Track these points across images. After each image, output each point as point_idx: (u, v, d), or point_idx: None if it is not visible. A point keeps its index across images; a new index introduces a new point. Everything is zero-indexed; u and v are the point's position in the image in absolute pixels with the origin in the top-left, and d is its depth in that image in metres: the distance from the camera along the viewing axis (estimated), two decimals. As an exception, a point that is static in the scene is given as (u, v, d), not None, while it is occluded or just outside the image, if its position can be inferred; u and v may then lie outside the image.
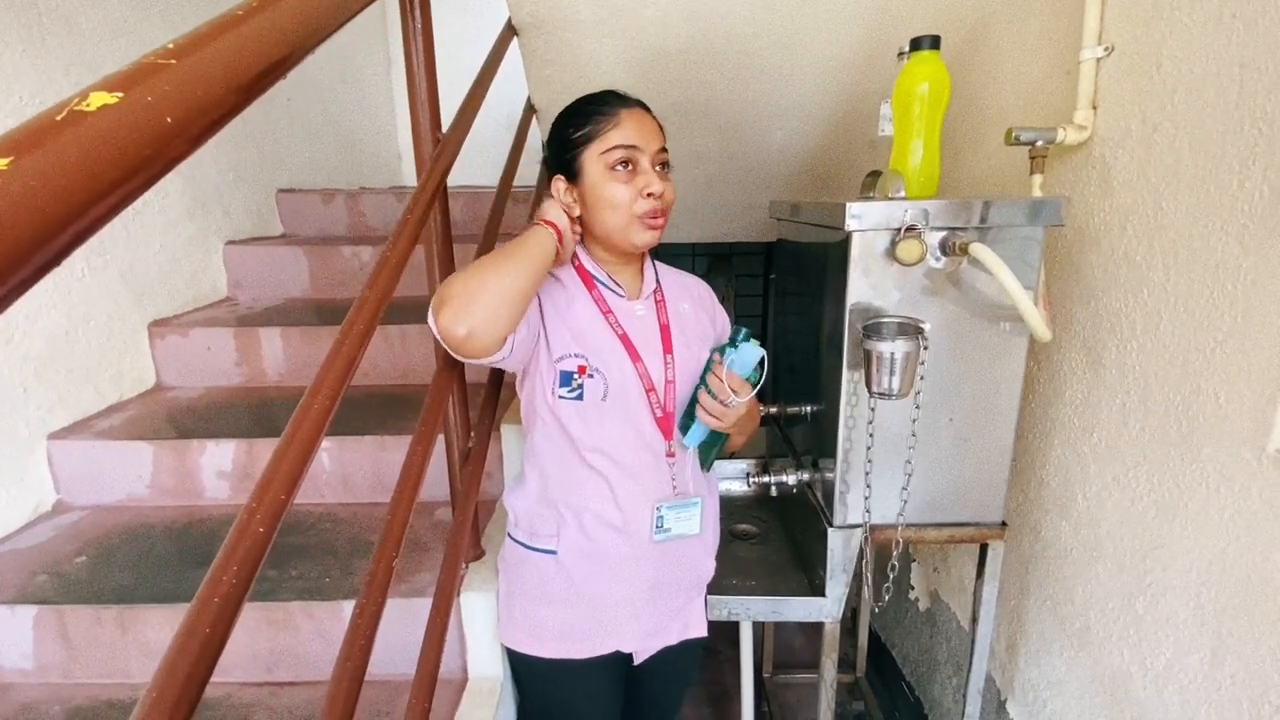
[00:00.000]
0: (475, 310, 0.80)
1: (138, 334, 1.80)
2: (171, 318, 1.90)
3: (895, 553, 1.12)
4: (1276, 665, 0.82)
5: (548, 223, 0.91)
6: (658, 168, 0.94)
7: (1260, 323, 0.83)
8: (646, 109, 0.97)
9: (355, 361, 0.63)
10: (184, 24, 1.85)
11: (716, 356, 0.98)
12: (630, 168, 0.92)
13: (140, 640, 1.19)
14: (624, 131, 0.91)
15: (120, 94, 0.40)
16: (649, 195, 0.92)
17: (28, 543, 1.39)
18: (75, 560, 1.32)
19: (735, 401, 0.94)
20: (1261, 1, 0.82)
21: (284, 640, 1.20)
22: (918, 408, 1.05)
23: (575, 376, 0.94)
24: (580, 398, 0.95)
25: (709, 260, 3.36)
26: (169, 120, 0.43)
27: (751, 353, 0.97)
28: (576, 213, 0.96)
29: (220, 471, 1.52)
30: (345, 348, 0.63)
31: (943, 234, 1.00)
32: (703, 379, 1.00)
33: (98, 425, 1.59)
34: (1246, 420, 0.85)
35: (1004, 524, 1.16)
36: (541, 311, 0.96)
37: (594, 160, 0.92)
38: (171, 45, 0.47)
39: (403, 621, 1.14)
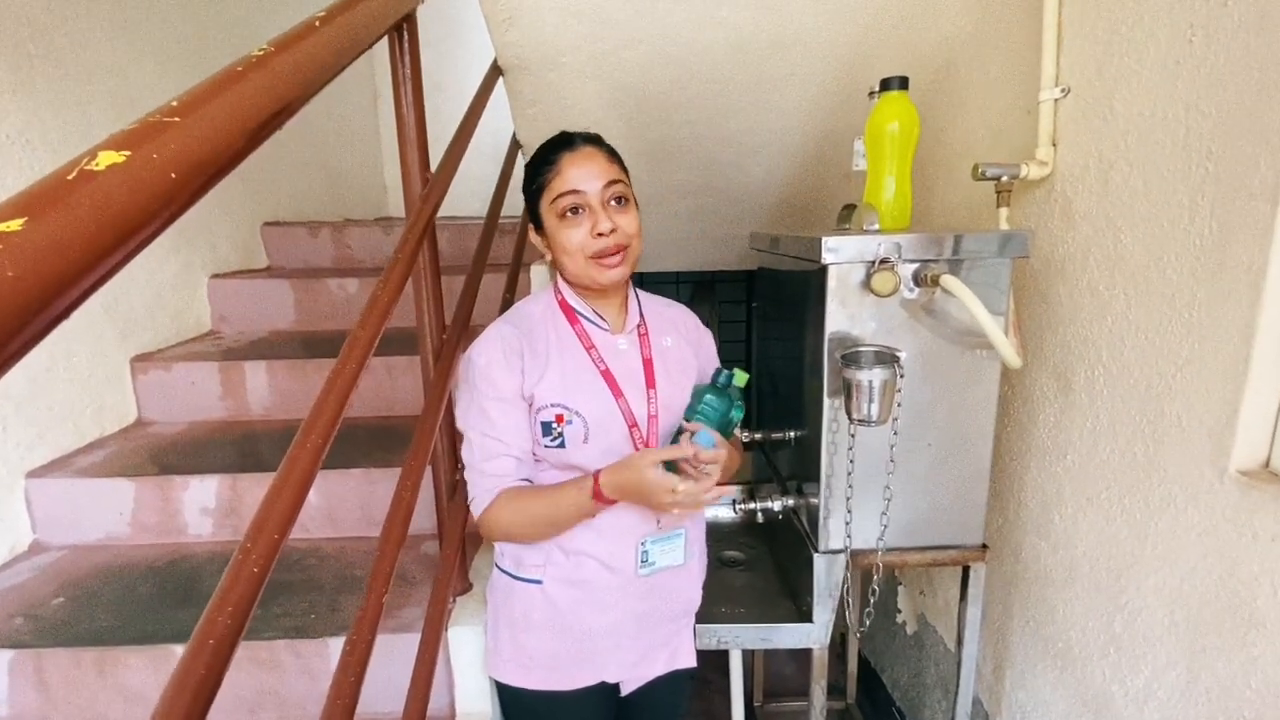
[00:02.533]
0: (513, 542, 1.02)
1: (120, 369, 1.78)
2: (154, 352, 1.88)
3: (876, 577, 1.14)
4: (1248, 680, 0.85)
5: (602, 500, 0.92)
6: (611, 202, 0.94)
7: (1214, 349, 0.87)
8: (596, 143, 0.97)
9: (347, 401, 0.65)
10: (174, 62, 1.87)
11: (685, 432, 0.97)
12: (579, 212, 0.94)
13: (119, 683, 1.17)
14: (565, 178, 0.93)
15: (128, 152, 0.42)
16: (599, 235, 0.93)
17: (3, 584, 1.35)
18: (53, 602, 1.30)
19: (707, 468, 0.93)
20: (1204, 48, 0.88)
21: (268, 680, 1.18)
22: (895, 433, 1.08)
23: (554, 426, 0.96)
24: (563, 445, 0.97)
25: (692, 288, 3.41)
26: (173, 176, 0.45)
27: (718, 404, 0.97)
28: (548, 257, 1.00)
29: (204, 508, 1.50)
30: (338, 387, 0.64)
31: (915, 266, 1.04)
32: (688, 416, 1.02)
33: (77, 463, 1.57)
34: (1207, 442, 0.89)
35: (984, 546, 1.18)
36: (524, 375, 0.97)
37: (548, 210, 0.96)
38: (175, 103, 0.49)
39: (389, 658, 1.13)
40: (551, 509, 0.95)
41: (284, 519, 0.53)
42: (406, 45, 1.01)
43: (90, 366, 1.68)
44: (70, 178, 0.39)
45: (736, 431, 1.04)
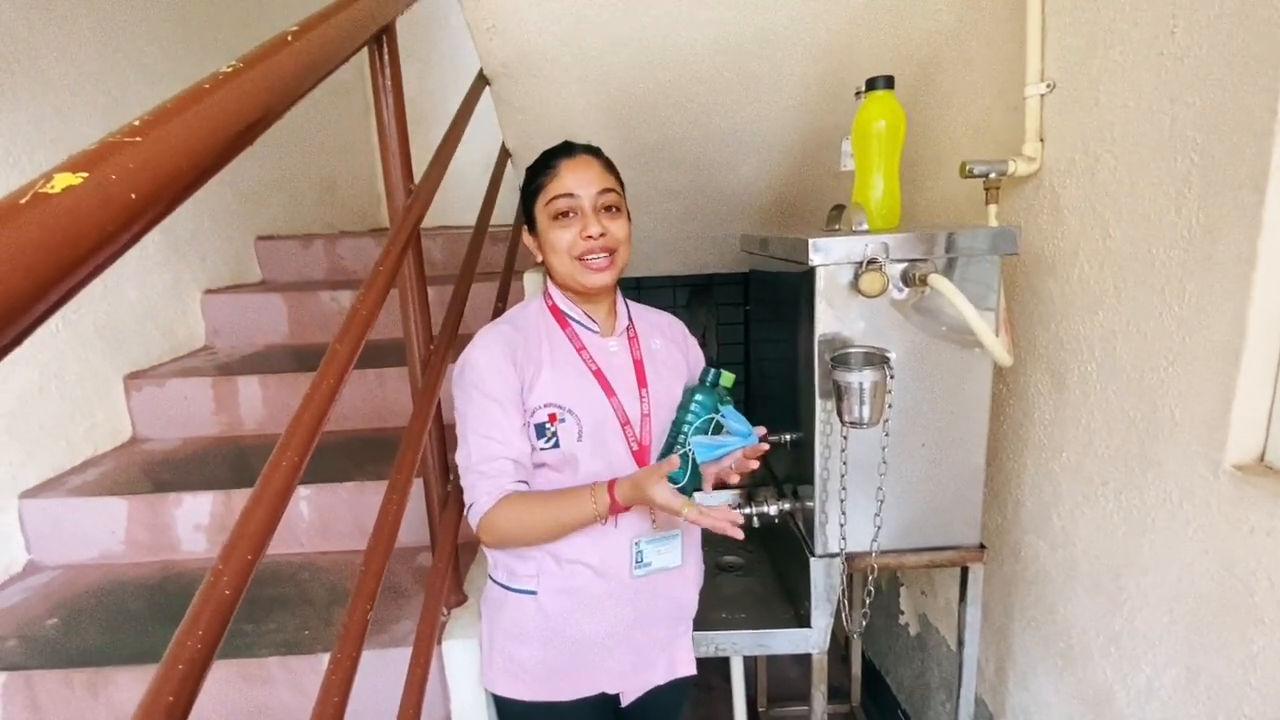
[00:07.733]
0: (508, 548, 1.00)
1: (113, 386, 1.78)
2: (148, 369, 1.88)
3: (870, 580, 1.13)
4: (1247, 677, 0.83)
5: (619, 509, 0.93)
6: (603, 209, 0.98)
7: (1205, 342, 0.86)
8: (594, 153, 1.01)
9: (325, 415, 0.64)
10: (159, 72, 1.86)
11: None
12: (572, 215, 0.97)
13: (111, 703, 1.16)
14: (561, 182, 0.97)
15: (84, 174, 0.42)
16: (586, 237, 0.96)
17: (-2, 606, 1.35)
18: (46, 622, 1.29)
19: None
20: (1186, 39, 0.87)
21: (260, 697, 1.17)
22: (887, 435, 1.07)
23: (548, 426, 0.97)
24: (558, 445, 0.97)
25: (690, 291, 3.40)
26: (133, 196, 0.44)
27: (707, 402, 0.99)
28: (539, 258, 1.02)
29: (197, 524, 1.50)
30: (315, 402, 0.64)
31: (903, 266, 1.04)
32: (679, 418, 1.02)
33: (71, 482, 1.56)
34: (1201, 437, 0.88)
35: (982, 546, 1.17)
36: (519, 377, 0.98)
37: (541, 211, 0.99)
38: (137, 122, 0.48)
39: (383, 672, 1.12)
40: (559, 513, 0.95)
41: (258, 539, 0.52)
42: (387, 57, 1.01)
43: (81, 384, 1.68)
44: (23, 201, 0.39)
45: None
